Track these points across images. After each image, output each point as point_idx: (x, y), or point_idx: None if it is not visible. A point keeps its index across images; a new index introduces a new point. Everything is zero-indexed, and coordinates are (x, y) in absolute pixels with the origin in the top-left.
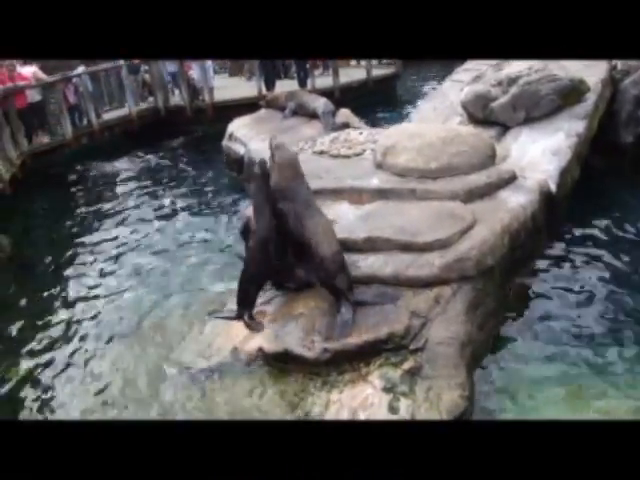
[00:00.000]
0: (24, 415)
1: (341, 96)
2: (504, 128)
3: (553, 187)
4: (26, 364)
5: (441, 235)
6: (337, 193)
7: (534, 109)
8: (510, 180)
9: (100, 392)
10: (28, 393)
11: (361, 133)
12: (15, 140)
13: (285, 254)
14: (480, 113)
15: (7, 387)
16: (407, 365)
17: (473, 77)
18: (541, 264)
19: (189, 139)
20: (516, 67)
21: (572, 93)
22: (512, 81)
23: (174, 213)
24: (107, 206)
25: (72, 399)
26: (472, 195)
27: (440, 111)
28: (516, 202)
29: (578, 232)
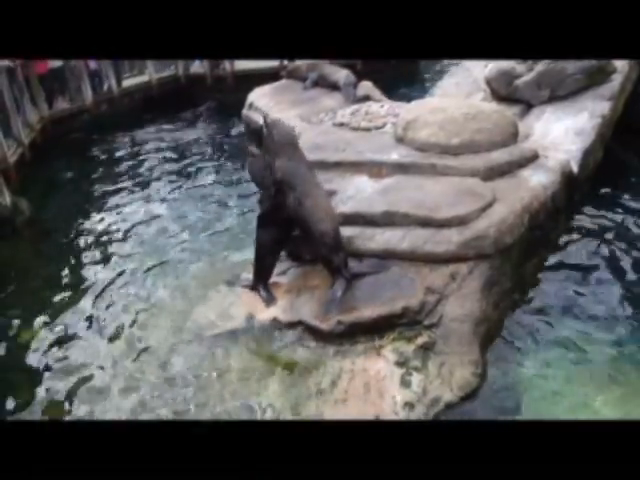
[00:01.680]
0: (38, 378)
1: (363, 68)
2: (528, 106)
3: (575, 168)
4: (41, 326)
5: (460, 212)
6: (356, 166)
7: (559, 88)
8: (532, 159)
9: (114, 356)
10: (41, 355)
11: (382, 106)
12: (35, 105)
13: (290, 229)
14: (504, 90)
15: (23, 349)
16: (421, 340)
17: None
18: (559, 245)
19: (209, 108)
20: None
21: (598, 73)
22: None
23: (192, 181)
24: (125, 172)
25: (85, 360)
26: (493, 173)
27: (463, 86)
28: (537, 181)
29: (599, 214)
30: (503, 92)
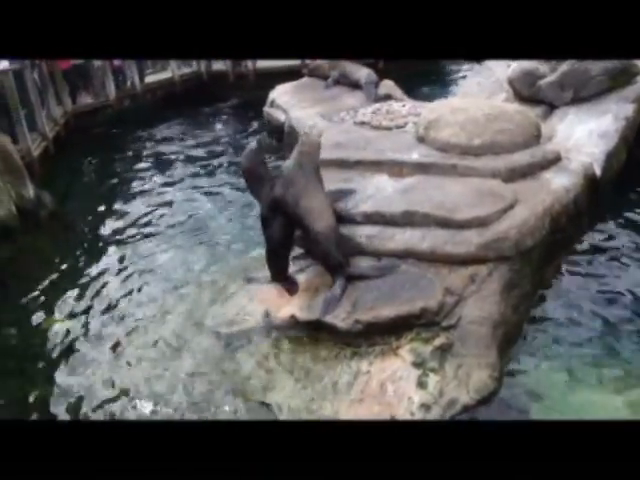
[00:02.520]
0: (55, 368)
1: (385, 67)
2: (551, 107)
3: (598, 171)
4: (61, 316)
5: (481, 213)
6: (377, 165)
7: (583, 89)
8: (554, 161)
9: (131, 348)
10: (61, 345)
11: (404, 105)
12: (59, 100)
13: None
14: (527, 90)
15: (43, 339)
16: (438, 341)
17: None
18: (581, 249)
19: (230, 104)
20: None
21: (622, 75)
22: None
23: (213, 178)
24: (147, 167)
25: (102, 351)
26: (514, 174)
27: (485, 86)
28: (559, 184)
29: (621, 219)
30: (526, 93)
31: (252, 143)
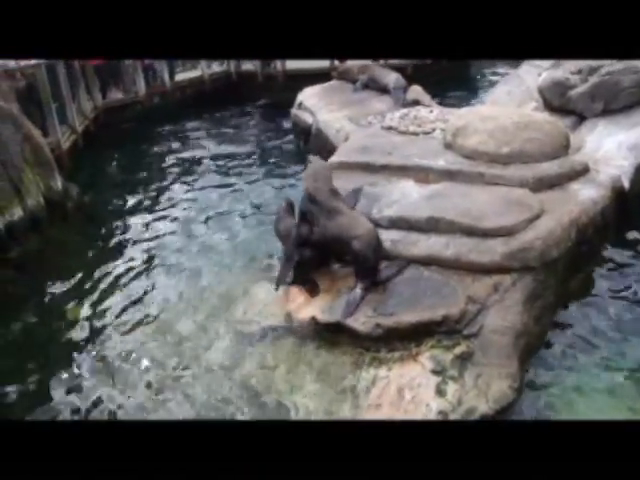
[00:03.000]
0: (78, 356)
1: (414, 73)
2: (580, 118)
3: (626, 183)
4: (85, 307)
5: (506, 222)
6: (403, 170)
7: (613, 101)
8: (582, 172)
9: (151, 342)
10: (84, 334)
11: (431, 111)
12: (90, 95)
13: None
14: (557, 100)
15: (67, 328)
16: (459, 350)
17: (553, 62)
18: (606, 262)
19: (258, 105)
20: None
21: None
22: (593, 70)
23: (239, 177)
24: (173, 164)
25: (124, 342)
26: (542, 184)
27: (515, 95)
28: (587, 195)
29: None
30: (556, 102)
31: (282, 204)
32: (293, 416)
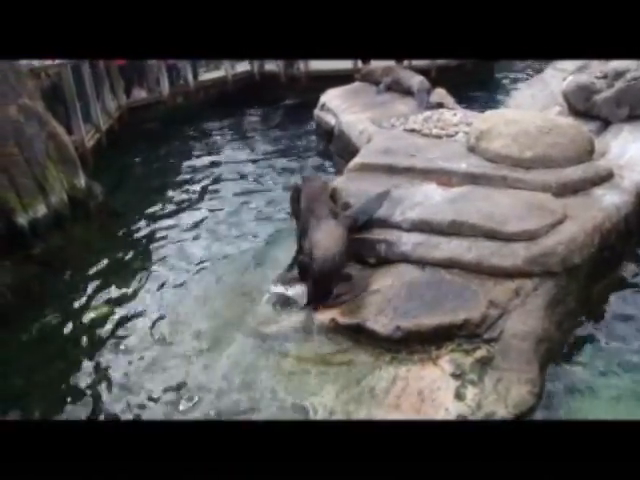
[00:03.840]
0: (99, 348)
1: (437, 75)
2: (605, 123)
3: None
4: (107, 304)
5: (529, 226)
6: (426, 173)
7: (639, 106)
8: (606, 178)
9: (171, 339)
10: (105, 332)
11: (455, 114)
12: (114, 94)
13: None
14: (581, 105)
15: (87, 323)
16: (479, 354)
17: (578, 66)
18: (629, 269)
19: (281, 106)
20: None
21: None
22: (619, 75)
23: (262, 177)
24: (196, 163)
25: (144, 339)
26: (565, 189)
27: (539, 99)
28: (610, 201)
29: None
30: (580, 107)
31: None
32: (312, 415)
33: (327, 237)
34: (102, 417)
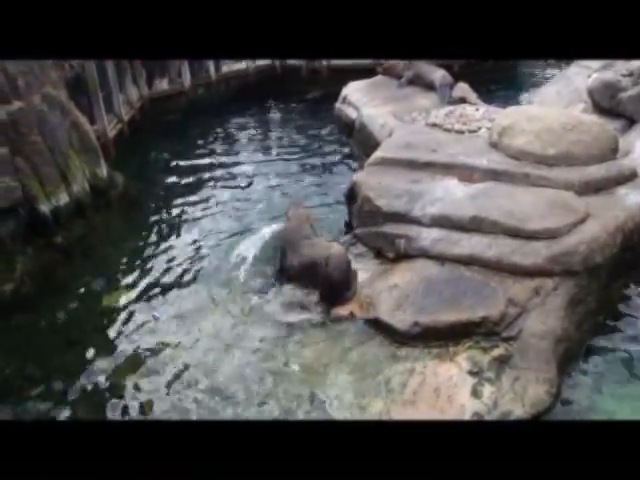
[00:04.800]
0: (117, 335)
1: (460, 70)
2: (630, 121)
3: None
4: (127, 293)
5: (551, 225)
6: (447, 168)
7: None
8: (630, 177)
9: (188, 326)
10: (122, 319)
11: (477, 110)
12: (136, 85)
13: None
14: (606, 103)
15: (106, 310)
16: (497, 352)
17: (603, 64)
18: None
19: (302, 99)
20: None
21: None
22: None
23: (281, 169)
24: (215, 154)
25: (161, 327)
26: (588, 187)
27: (563, 96)
28: (634, 201)
29: None
30: (605, 105)
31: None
32: (327, 408)
33: (337, 248)
34: (103, 416)
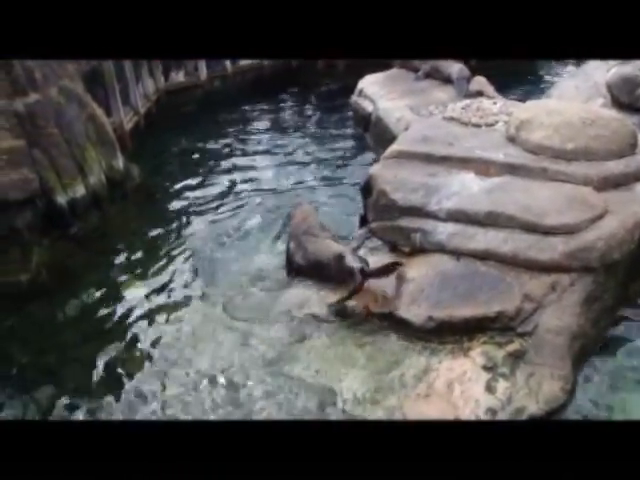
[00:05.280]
0: (133, 325)
1: (478, 64)
2: None
3: None
4: (142, 284)
5: (568, 220)
6: (464, 162)
7: None
8: None
9: (203, 320)
10: (140, 309)
11: (495, 103)
12: (153, 77)
13: None
14: (626, 97)
15: (123, 301)
16: (512, 347)
17: None
18: None
19: (318, 91)
20: None
21: None
22: None
23: (296, 162)
24: (231, 146)
25: (175, 320)
26: (607, 183)
27: (582, 90)
28: None
29: None
30: (625, 100)
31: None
32: (339, 402)
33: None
34: (101, 417)
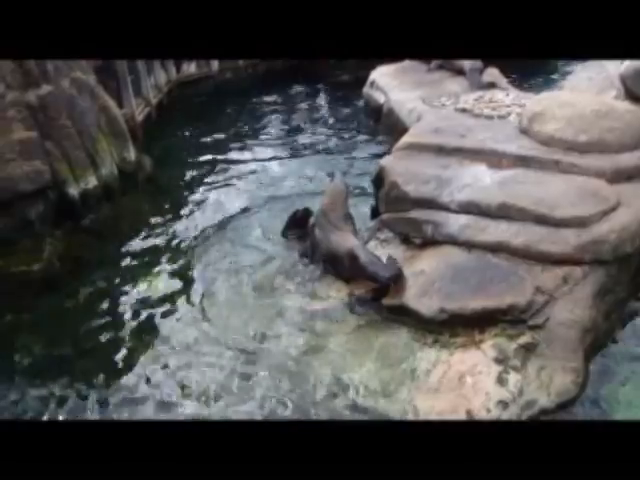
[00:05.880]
0: (144, 317)
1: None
2: None
3: None
4: (154, 275)
5: (580, 213)
6: (476, 154)
7: None
8: None
9: (214, 312)
10: (151, 299)
11: (507, 95)
12: (164, 68)
13: None
14: (639, 89)
15: (133, 292)
16: (523, 340)
17: None
18: None
19: (330, 82)
20: None
21: None
22: None
23: (308, 152)
24: (242, 138)
25: (187, 310)
26: (620, 176)
27: (596, 82)
28: None
29: None
30: (638, 92)
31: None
32: (351, 394)
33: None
34: (114, 408)
